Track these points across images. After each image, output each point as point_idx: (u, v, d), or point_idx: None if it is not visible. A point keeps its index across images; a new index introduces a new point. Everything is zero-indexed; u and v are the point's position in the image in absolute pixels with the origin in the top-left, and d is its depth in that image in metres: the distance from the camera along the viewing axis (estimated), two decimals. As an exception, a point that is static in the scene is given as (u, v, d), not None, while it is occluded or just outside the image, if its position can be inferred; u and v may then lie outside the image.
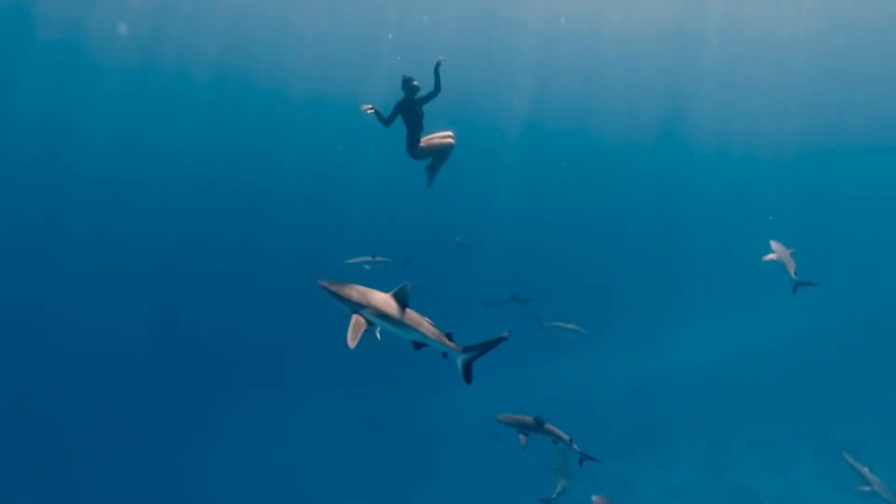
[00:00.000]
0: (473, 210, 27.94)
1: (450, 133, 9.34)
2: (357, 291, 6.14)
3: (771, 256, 10.73)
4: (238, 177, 30.60)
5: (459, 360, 6.36)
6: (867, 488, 11.25)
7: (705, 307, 24.63)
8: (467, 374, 6.34)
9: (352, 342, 5.91)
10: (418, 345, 6.40)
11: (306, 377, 18.95)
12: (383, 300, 6.20)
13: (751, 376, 20.02)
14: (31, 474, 16.29)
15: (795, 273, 10.29)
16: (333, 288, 6.12)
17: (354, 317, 6.05)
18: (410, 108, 8.96)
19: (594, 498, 9.60)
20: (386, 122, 8.93)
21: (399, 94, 8.94)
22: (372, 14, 29.17)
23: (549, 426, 9.13)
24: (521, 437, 8.91)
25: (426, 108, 9.10)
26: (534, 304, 16.79)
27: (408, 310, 6.25)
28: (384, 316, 6.13)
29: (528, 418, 9.05)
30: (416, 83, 8.86)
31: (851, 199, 36.38)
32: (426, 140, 9.24)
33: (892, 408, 17.19)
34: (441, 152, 9.39)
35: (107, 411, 17.83)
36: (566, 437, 9.22)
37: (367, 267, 14.67)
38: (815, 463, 15.78)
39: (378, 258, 14.77)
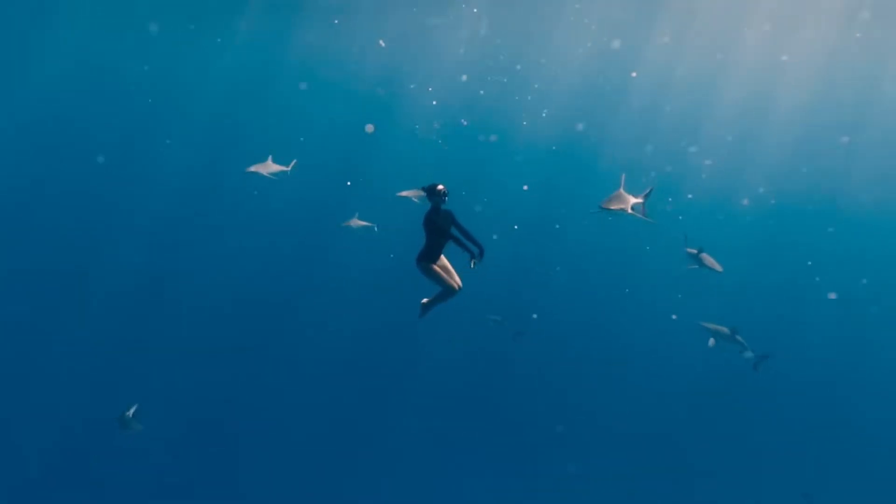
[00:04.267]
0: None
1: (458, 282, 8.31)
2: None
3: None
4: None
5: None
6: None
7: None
8: None
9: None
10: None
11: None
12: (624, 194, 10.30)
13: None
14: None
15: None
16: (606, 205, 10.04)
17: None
18: (436, 218, 7.98)
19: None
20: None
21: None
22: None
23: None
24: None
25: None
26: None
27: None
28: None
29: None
30: (440, 188, 7.90)
31: None
32: (443, 267, 8.25)
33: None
34: (445, 292, 8.30)
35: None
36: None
37: (416, 200, 15.97)
38: None
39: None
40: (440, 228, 7.98)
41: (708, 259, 13.15)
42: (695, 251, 13.23)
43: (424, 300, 8.56)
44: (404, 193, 16.33)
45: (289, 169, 16.46)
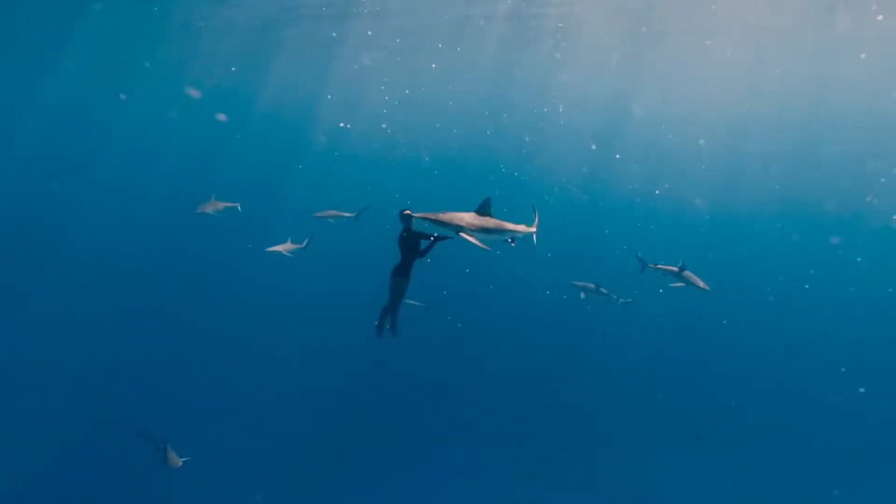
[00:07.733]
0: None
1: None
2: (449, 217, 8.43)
3: None
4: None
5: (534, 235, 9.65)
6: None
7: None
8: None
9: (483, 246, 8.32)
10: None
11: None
12: (473, 216, 8.70)
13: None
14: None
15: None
16: (431, 217, 8.25)
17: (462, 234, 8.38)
18: (406, 237, 9.04)
19: None
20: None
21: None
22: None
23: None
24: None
25: None
26: None
27: (490, 218, 8.88)
28: (481, 228, 8.63)
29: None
30: (406, 213, 8.89)
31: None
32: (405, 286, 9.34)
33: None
34: (389, 308, 9.42)
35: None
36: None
37: (331, 220, 17.19)
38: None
39: (341, 213, 17.31)
40: (411, 246, 9.10)
41: (692, 277, 13.48)
42: (674, 269, 13.63)
43: (376, 323, 9.54)
44: (322, 214, 17.29)
45: (237, 206, 16.90)
